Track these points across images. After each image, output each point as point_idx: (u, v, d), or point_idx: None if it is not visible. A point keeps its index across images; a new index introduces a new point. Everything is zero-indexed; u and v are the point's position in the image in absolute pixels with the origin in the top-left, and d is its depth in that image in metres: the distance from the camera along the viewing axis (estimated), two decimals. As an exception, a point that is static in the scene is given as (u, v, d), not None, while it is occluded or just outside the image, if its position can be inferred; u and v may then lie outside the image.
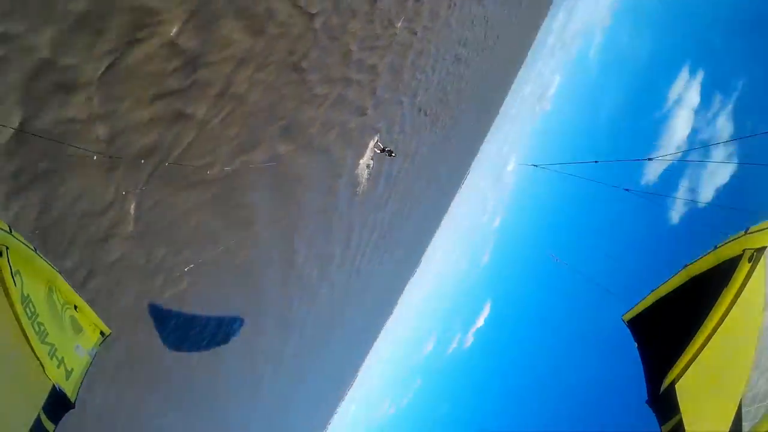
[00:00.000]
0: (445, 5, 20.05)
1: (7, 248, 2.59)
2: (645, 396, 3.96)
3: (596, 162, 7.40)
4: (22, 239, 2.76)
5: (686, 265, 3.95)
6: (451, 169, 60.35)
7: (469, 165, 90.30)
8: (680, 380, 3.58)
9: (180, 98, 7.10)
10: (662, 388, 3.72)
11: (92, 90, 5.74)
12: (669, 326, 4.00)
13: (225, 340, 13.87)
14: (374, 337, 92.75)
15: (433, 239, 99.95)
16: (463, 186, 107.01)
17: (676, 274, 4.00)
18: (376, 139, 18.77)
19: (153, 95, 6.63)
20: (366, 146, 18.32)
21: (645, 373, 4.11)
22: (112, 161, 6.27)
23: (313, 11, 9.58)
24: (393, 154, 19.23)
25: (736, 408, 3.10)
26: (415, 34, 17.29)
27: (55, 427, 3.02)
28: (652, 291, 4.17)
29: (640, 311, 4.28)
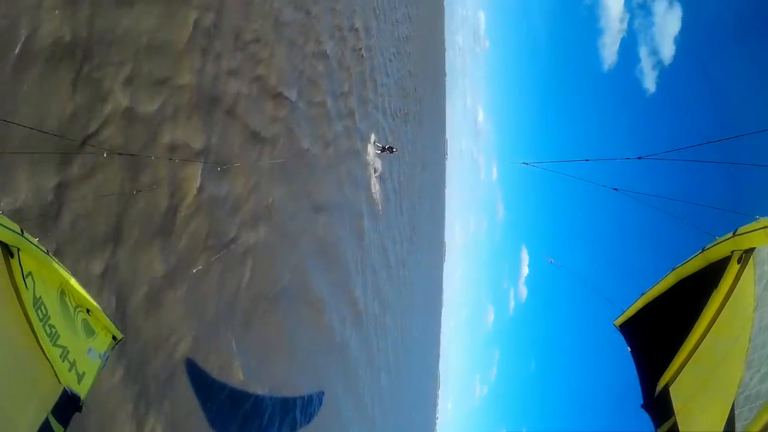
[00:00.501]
0: (373, 17, 22.28)
1: (19, 250, 2.58)
2: (641, 399, 4.04)
3: (587, 160, 7.31)
4: (34, 241, 2.75)
5: (674, 268, 3.90)
6: (432, 146, 61.34)
7: (444, 134, 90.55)
8: (674, 383, 3.66)
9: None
10: (656, 392, 3.78)
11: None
12: (660, 329, 4.03)
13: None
14: (438, 333, 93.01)
15: (446, 215, 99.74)
16: (448, 156, 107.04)
17: (664, 277, 3.97)
18: (373, 139, 19.14)
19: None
20: (368, 165, 19.70)
21: (639, 377, 4.16)
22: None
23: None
24: (394, 150, 19.46)
25: (730, 409, 3.10)
26: (363, 56, 19.30)
27: (65, 430, 3.07)
28: (642, 295, 4.16)
29: (630, 316, 4.28)
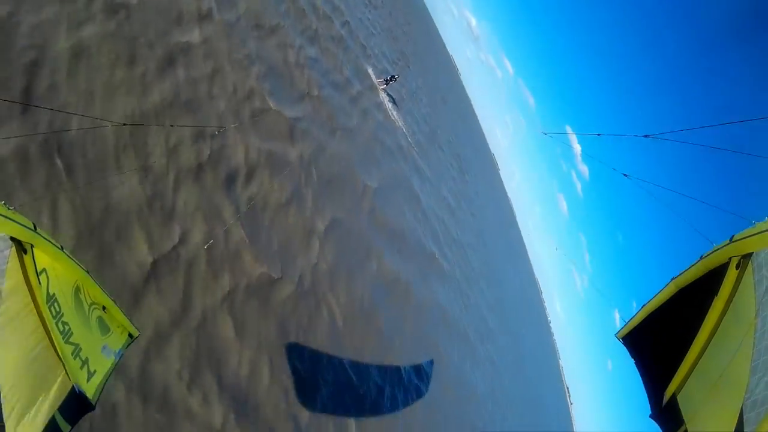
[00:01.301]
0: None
1: (32, 246, 2.58)
2: (648, 410, 4.06)
3: (599, 135, 7.57)
4: (48, 237, 2.74)
5: (674, 278, 3.91)
6: (442, 73, 62.31)
7: (446, 52, 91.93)
8: (681, 391, 3.68)
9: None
10: (664, 401, 3.80)
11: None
12: (664, 339, 4.04)
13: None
14: (521, 242, 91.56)
15: (483, 127, 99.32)
16: (460, 70, 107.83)
17: (664, 287, 3.98)
18: (373, 77, 19.79)
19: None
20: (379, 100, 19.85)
21: (645, 387, 4.19)
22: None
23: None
24: (396, 77, 20.48)
25: (738, 414, 3.13)
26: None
27: (71, 429, 3.03)
28: (642, 306, 4.17)
29: (632, 327, 4.27)
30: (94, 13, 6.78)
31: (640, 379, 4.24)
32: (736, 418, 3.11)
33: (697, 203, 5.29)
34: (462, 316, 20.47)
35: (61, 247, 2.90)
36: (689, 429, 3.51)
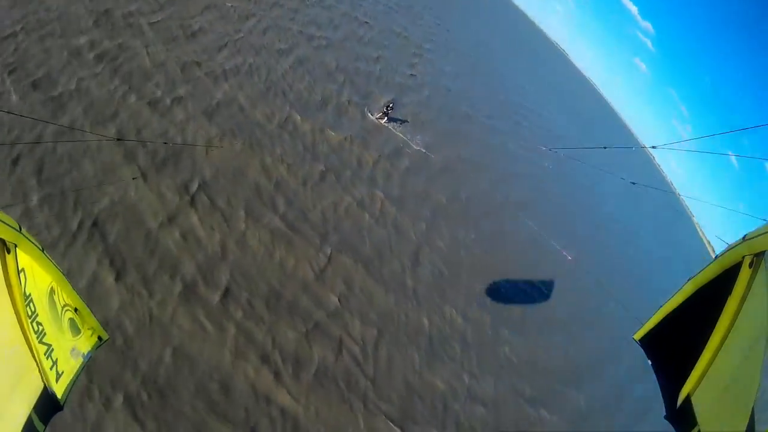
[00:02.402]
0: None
1: (16, 246, 2.60)
2: (663, 411, 3.98)
3: (604, 148, 7.73)
4: (30, 238, 2.76)
5: (691, 278, 3.90)
6: None
7: None
8: (695, 392, 3.62)
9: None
10: (679, 402, 3.74)
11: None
12: (680, 340, 4.00)
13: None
14: None
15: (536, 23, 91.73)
16: None
17: (681, 287, 3.96)
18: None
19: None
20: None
21: (661, 388, 4.11)
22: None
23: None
24: (391, 104, 19.07)
25: (750, 414, 3.06)
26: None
27: (45, 428, 3.03)
28: (660, 307, 4.16)
29: (650, 329, 4.25)
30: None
31: (657, 380, 4.20)
32: (748, 418, 3.07)
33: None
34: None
35: (42, 248, 2.94)
36: (702, 430, 3.46)
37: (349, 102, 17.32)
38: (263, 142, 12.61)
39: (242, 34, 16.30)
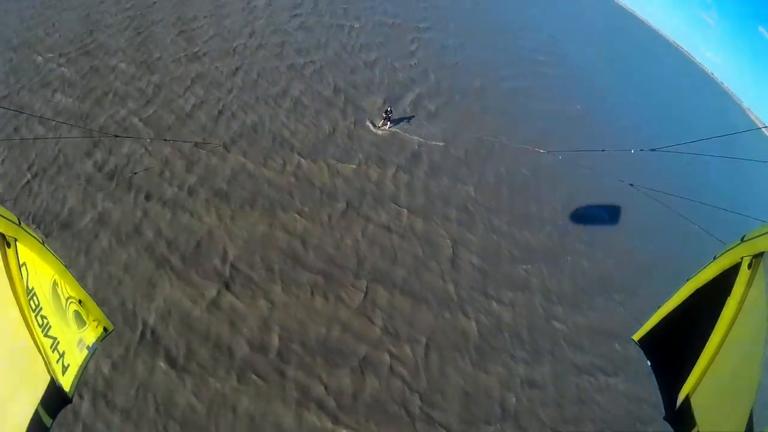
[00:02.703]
0: None
1: (16, 240, 2.61)
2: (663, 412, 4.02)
3: (603, 151, 7.66)
4: (30, 231, 2.77)
5: (689, 279, 3.91)
6: None
7: None
8: (694, 393, 3.67)
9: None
10: (678, 403, 3.79)
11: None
12: (679, 341, 4.03)
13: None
14: None
15: None
16: None
17: (680, 288, 3.98)
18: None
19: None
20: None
21: (660, 389, 4.14)
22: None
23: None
24: (390, 109, 18.55)
25: (749, 415, 3.04)
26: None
27: (53, 422, 3.04)
28: (658, 308, 4.18)
29: (649, 329, 4.28)
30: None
31: (656, 381, 4.20)
32: (747, 418, 3.04)
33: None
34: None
35: (42, 241, 2.95)
36: (701, 431, 3.46)
37: (354, 123, 17.32)
38: (280, 200, 13.06)
39: (234, 93, 16.76)
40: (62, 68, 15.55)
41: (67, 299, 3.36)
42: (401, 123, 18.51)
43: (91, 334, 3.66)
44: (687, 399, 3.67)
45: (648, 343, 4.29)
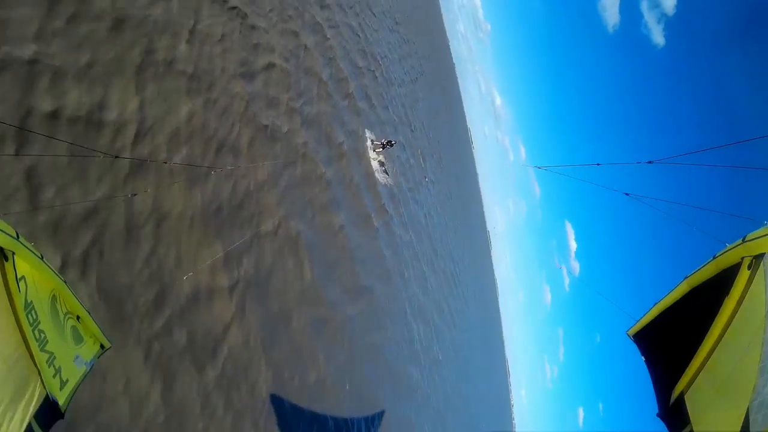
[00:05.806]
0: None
1: (14, 254, 2.61)
2: (656, 409, 4.04)
3: (598, 164, 7.52)
4: (29, 245, 2.77)
5: (687, 277, 3.91)
6: (454, 139, 60.07)
7: (465, 123, 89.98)
8: (689, 391, 3.66)
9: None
10: (672, 400, 3.79)
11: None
12: (674, 338, 4.03)
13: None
14: (498, 323, 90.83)
15: (484, 203, 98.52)
16: (474, 145, 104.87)
17: (677, 285, 3.99)
18: (369, 142, 18.77)
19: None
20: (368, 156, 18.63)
21: (654, 386, 4.16)
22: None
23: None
24: (393, 143, 19.18)
25: (744, 416, 3.11)
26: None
27: None
28: (655, 304, 4.18)
29: (644, 325, 4.28)
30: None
31: (649, 377, 4.23)
32: (742, 420, 3.11)
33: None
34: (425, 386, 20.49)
35: (41, 256, 2.94)
36: (695, 429, 3.50)
37: (356, 190, 16.28)
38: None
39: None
40: None
41: (66, 314, 3.37)
42: (385, 165, 19.09)
43: (88, 351, 3.66)
44: (681, 396, 3.67)
45: (642, 339, 4.28)
